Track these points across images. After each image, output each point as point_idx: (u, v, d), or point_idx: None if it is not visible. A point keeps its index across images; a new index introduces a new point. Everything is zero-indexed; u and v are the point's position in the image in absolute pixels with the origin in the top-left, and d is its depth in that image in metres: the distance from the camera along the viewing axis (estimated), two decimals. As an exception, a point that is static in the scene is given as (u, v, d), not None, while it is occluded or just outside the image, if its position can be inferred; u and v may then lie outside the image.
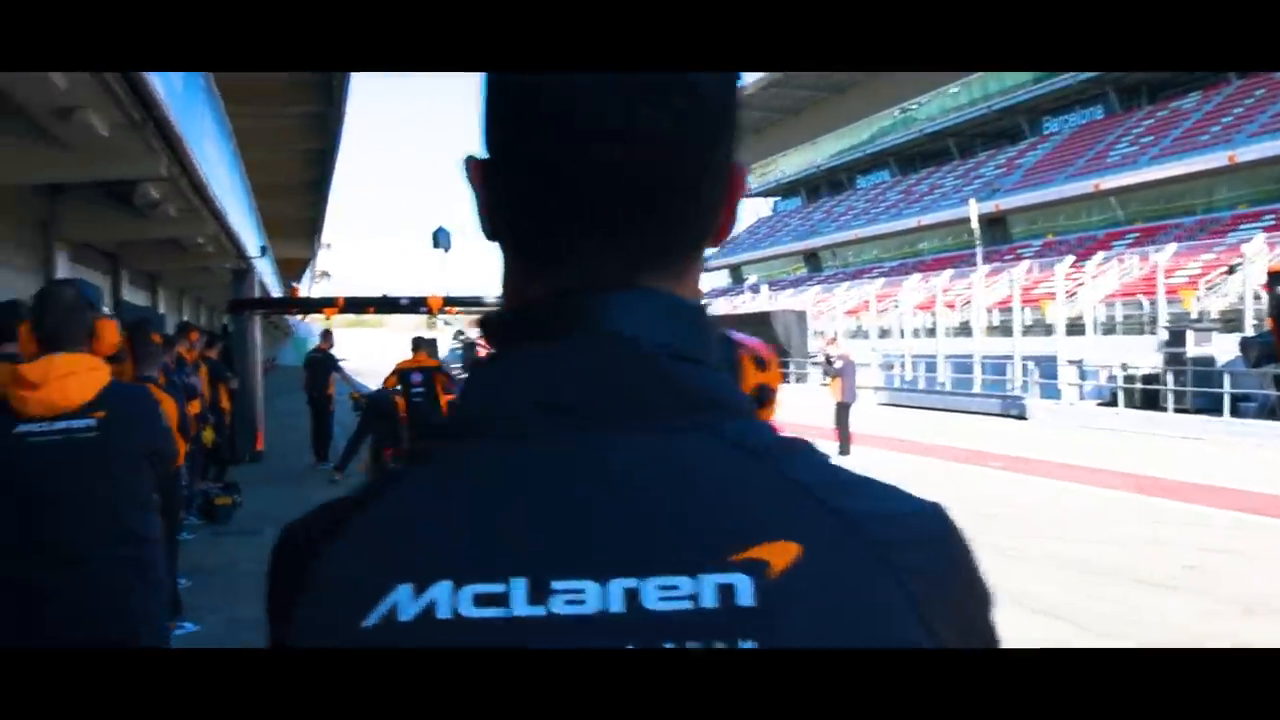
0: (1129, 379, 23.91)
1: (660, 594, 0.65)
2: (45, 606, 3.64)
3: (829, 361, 18.30)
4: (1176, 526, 10.87)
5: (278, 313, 37.08)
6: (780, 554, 0.66)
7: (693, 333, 0.75)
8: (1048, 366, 26.98)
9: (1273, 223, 36.39)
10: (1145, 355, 24.80)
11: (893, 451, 18.17)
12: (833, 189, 72.62)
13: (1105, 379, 25.62)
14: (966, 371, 30.52)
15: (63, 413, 3.67)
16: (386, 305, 17.07)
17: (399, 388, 13.57)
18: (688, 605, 0.65)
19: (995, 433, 21.43)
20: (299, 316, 44.65)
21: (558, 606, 0.65)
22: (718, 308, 54.37)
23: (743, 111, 0.80)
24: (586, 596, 0.65)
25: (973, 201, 37.46)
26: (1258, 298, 25.86)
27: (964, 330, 36.46)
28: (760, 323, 43.21)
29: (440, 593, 0.66)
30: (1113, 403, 24.06)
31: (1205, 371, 22.48)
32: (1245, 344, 22.84)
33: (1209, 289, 32.26)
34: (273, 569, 0.77)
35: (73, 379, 3.69)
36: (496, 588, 0.66)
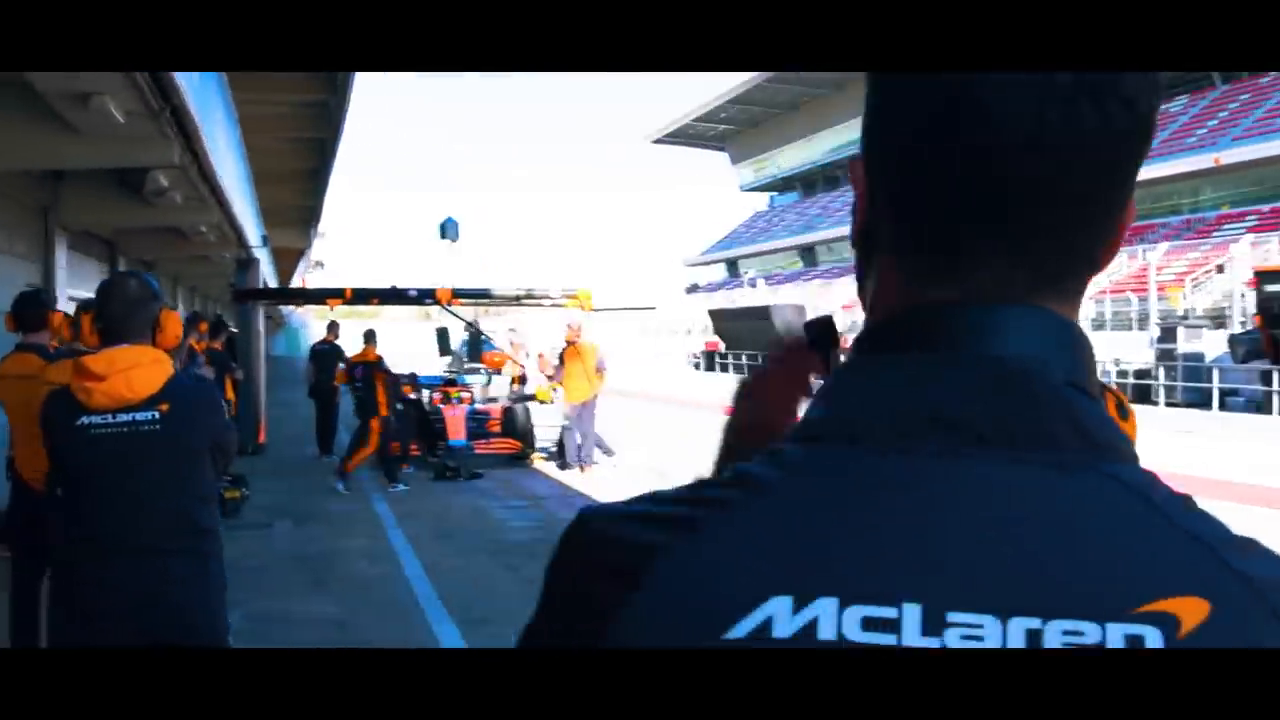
0: (1121, 374, 24.19)
1: (1064, 638, 0.60)
2: (109, 596, 3.63)
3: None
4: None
5: (281, 303, 36.92)
6: (1190, 610, 0.61)
7: (1085, 363, 0.71)
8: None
9: (1256, 223, 36.81)
10: (1136, 351, 25.04)
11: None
12: (829, 184, 72.65)
13: (1099, 373, 25.82)
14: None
15: (127, 405, 3.64)
16: (394, 297, 16.89)
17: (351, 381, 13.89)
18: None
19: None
20: (292, 307, 44.61)
21: (953, 640, 0.60)
22: (715, 301, 54.37)
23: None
24: (985, 633, 0.60)
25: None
26: (1244, 296, 26.10)
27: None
28: (759, 316, 43.31)
29: (824, 610, 0.61)
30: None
31: (1195, 367, 22.77)
32: (1234, 341, 23.21)
33: (1195, 287, 32.50)
34: (582, 559, 0.70)
35: (137, 371, 3.65)
36: (888, 612, 0.61)
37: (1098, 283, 30.64)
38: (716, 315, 48.76)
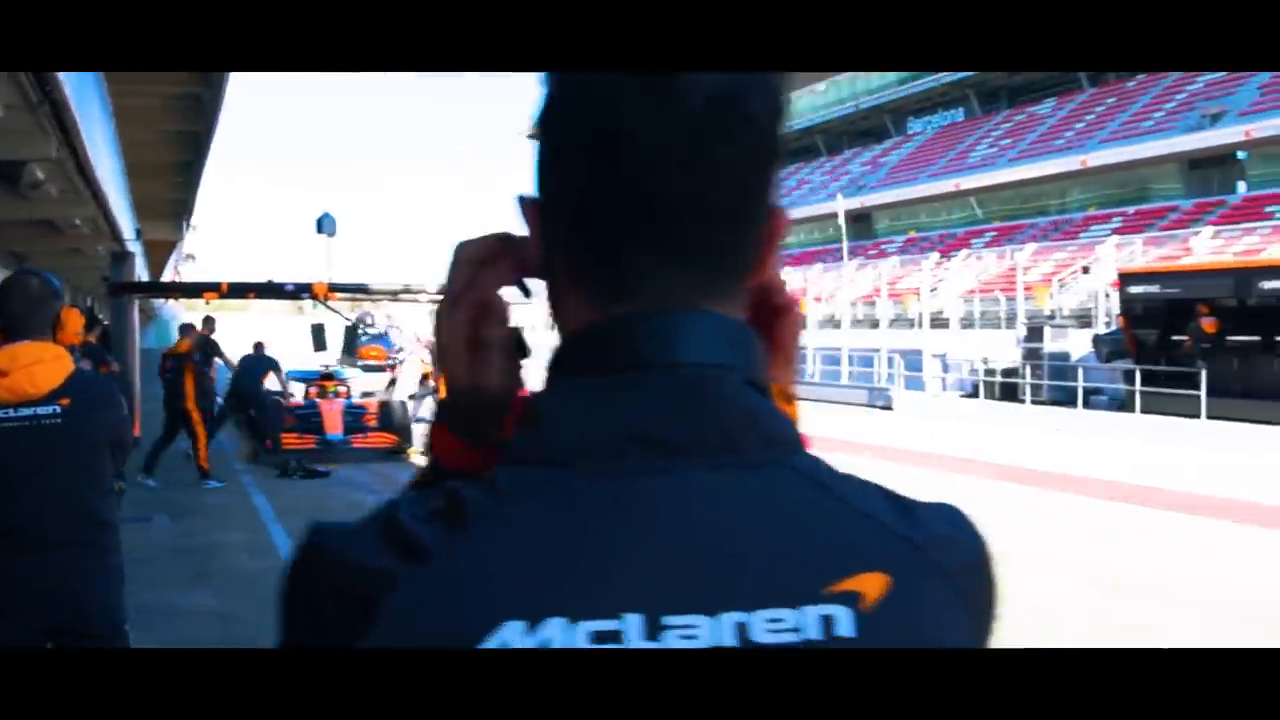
0: (989, 372, 24.92)
1: (768, 627, 0.66)
2: (15, 590, 3.65)
3: None
4: (1038, 511, 11.56)
5: (156, 297, 36.01)
6: (872, 585, 0.68)
7: (756, 359, 0.76)
8: (912, 360, 27.89)
9: (1121, 224, 38.01)
10: (1004, 350, 25.82)
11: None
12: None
13: (967, 372, 26.58)
14: (835, 364, 31.30)
15: (29, 399, 3.67)
16: (271, 291, 16.63)
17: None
18: (793, 638, 0.66)
19: (863, 423, 22.10)
20: (163, 300, 43.44)
21: (673, 642, 0.65)
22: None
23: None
24: (699, 632, 0.65)
25: (840, 197, 38.37)
26: (1108, 296, 27.06)
27: (831, 323, 37.29)
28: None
29: (555, 630, 0.65)
30: (974, 395, 25.06)
31: (1061, 366, 23.58)
32: (1098, 340, 24.08)
33: (1061, 287, 33.56)
34: (317, 586, 0.71)
35: (39, 367, 3.70)
36: (611, 624, 0.65)
37: (966, 282, 31.59)
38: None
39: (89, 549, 3.72)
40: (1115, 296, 24.27)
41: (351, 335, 18.32)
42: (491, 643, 0.64)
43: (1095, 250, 33.33)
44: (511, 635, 0.64)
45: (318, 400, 16.10)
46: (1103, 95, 44.37)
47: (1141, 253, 32.64)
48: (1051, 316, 29.44)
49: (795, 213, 53.79)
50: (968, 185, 45.23)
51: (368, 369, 18.06)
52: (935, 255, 39.79)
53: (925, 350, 28.01)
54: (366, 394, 17.13)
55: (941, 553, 0.72)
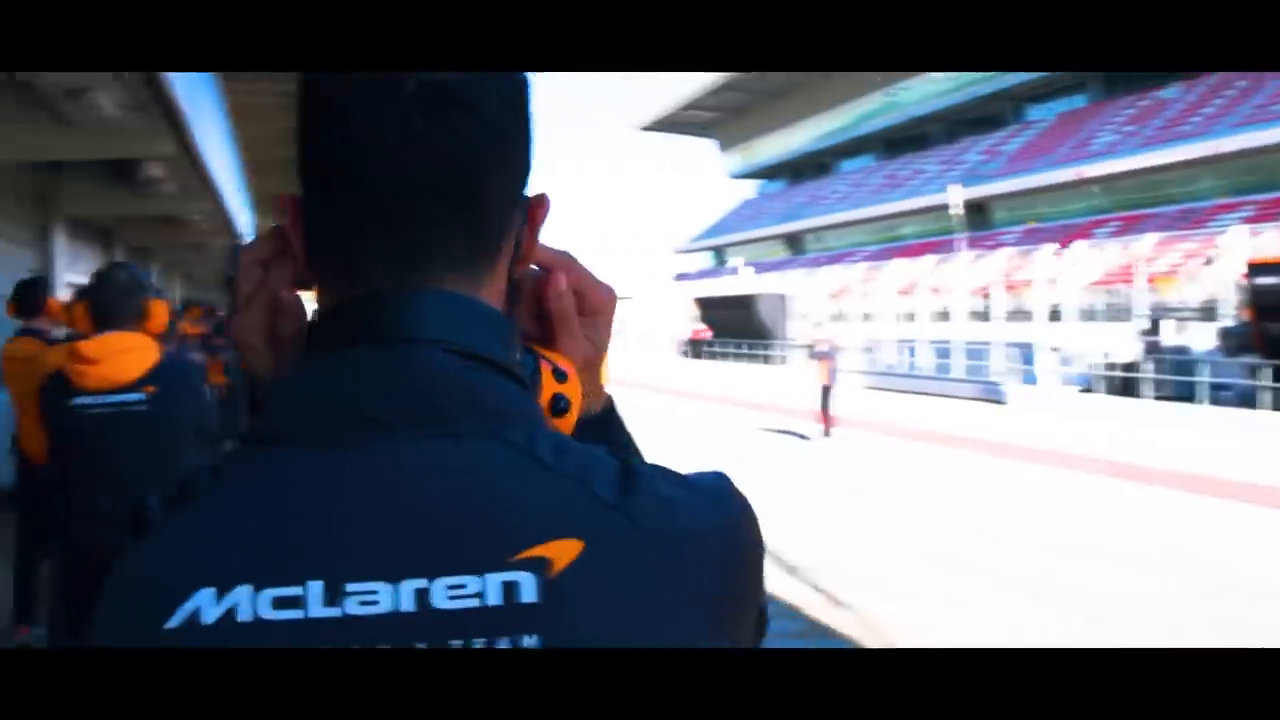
0: (1108, 366, 24.25)
1: (449, 593, 0.68)
2: (102, 569, 3.87)
3: (813, 345, 18.52)
4: (1152, 510, 11.17)
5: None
6: (562, 551, 0.69)
7: (493, 337, 0.78)
8: (1027, 353, 27.30)
9: (1251, 214, 36.75)
10: (1125, 343, 25.11)
11: (875, 434, 18.42)
12: (816, 172, 72.72)
13: (1085, 366, 25.91)
14: (947, 357, 30.81)
15: (116, 386, 3.92)
16: None
17: None
18: (475, 603, 0.68)
19: (975, 418, 21.70)
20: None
21: (352, 607, 0.68)
22: (700, 289, 54.40)
23: (532, 142, 0.84)
24: (379, 597, 0.68)
25: (955, 187, 37.67)
26: (1237, 287, 26.17)
27: (945, 316, 36.73)
28: (743, 305, 43.41)
29: (241, 596, 0.68)
30: (1091, 390, 24.41)
31: (1183, 360, 22.82)
32: (1224, 334, 23.23)
33: (1188, 278, 32.58)
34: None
35: (127, 356, 3.94)
36: (294, 590, 0.68)
37: (1087, 274, 30.91)
38: (702, 303, 48.85)
39: None
40: (1244, 288, 23.38)
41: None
42: (185, 608, 0.69)
43: (1219, 240, 32.22)
44: (203, 602, 0.69)
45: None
46: (1232, 78, 42.90)
47: (1276, 241, 31.46)
48: (1177, 309, 28.58)
49: (910, 203, 53.19)
50: (1090, 173, 44.17)
51: None
52: (1054, 246, 38.86)
53: (1041, 343, 27.34)
54: None
55: (660, 520, 0.72)
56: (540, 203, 0.85)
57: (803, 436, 17.69)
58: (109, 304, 4.03)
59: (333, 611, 0.68)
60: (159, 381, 3.96)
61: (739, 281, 52.21)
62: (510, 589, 0.68)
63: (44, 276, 5.91)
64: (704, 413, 23.08)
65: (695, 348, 47.19)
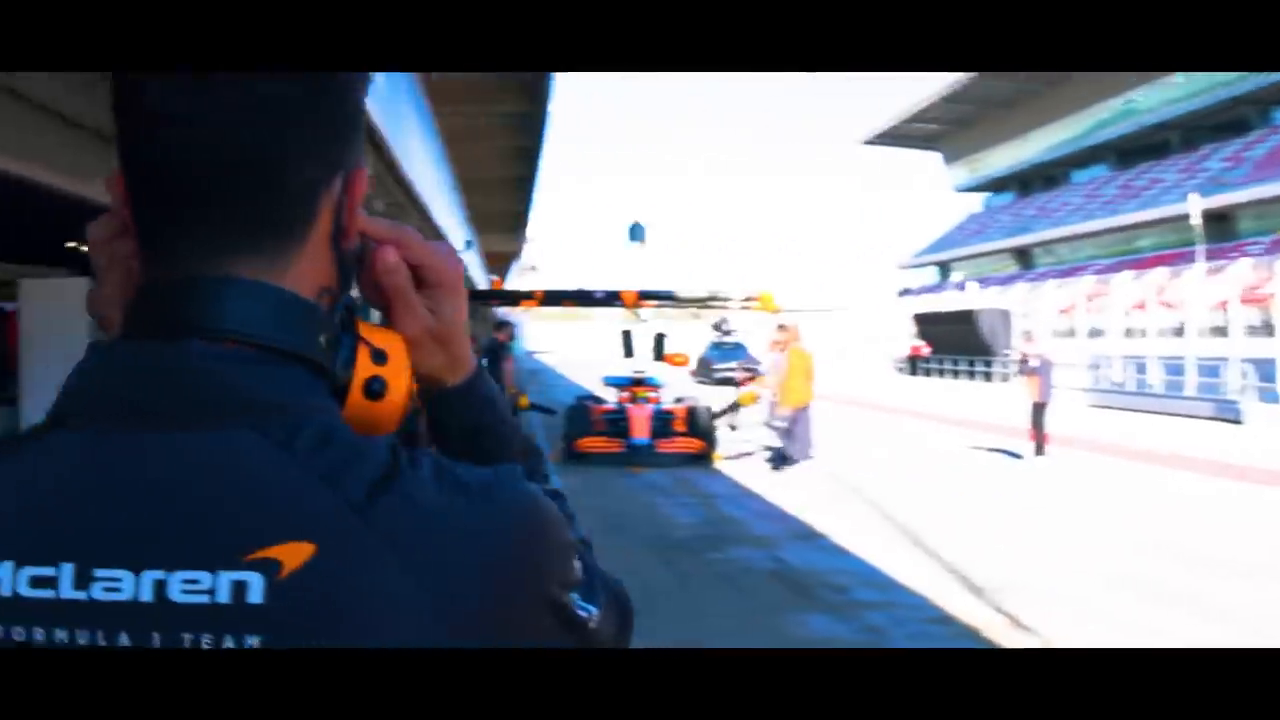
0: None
1: (184, 587, 0.69)
2: None
3: (1025, 360, 17.88)
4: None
5: (484, 304, 38.19)
6: (293, 554, 0.70)
7: (282, 324, 0.79)
8: (1267, 369, 25.68)
9: None
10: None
11: (1095, 454, 17.59)
12: (1046, 184, 70.48)
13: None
14: (1179, 374, 29.32)
15: None
16: (582, 298, 17.36)
17: None
18: (206, 600, 0.69)
19: (1207, 437, 20.47)
20: (497, 307, 46.13)
21: (98, 593, 0.70)
22: (921, 305, 53.41)
23: (343, 116, 0.84)
24: (122, 585, 0.70)
25: (1193, 196, 35.83)
26: None
27: (1179, 331, 34.98)
28: (963, 321, 42.37)
29: (4, 572, 0.71)
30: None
31: None
32: None
33: None
34: None
35: None
36: (49, 571, 0.71)
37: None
38: (921, 319, 47.94)
39: None
40: None
41: (659, 342, 18.78)
42: None
43: None
44: None
45: (628, 405, 16.55)
46: None
47: None
48: None
49: (1147, 214, 50.87)
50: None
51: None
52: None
53: (1282, 359, 25.69)
54: (678, 400, 17.52)
55: (405, 524, 0.73)
56: (358, 177, 0.85)
57: (1014, 455, 17.00)
58: None
59: (81, 595, 0.71)
60: None
61: (961, 297, 51.00)
62: (240, 588, 0.69)
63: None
64: (916, 430, 22.57)
65: (913, 364, 46.30)
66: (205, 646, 0.69)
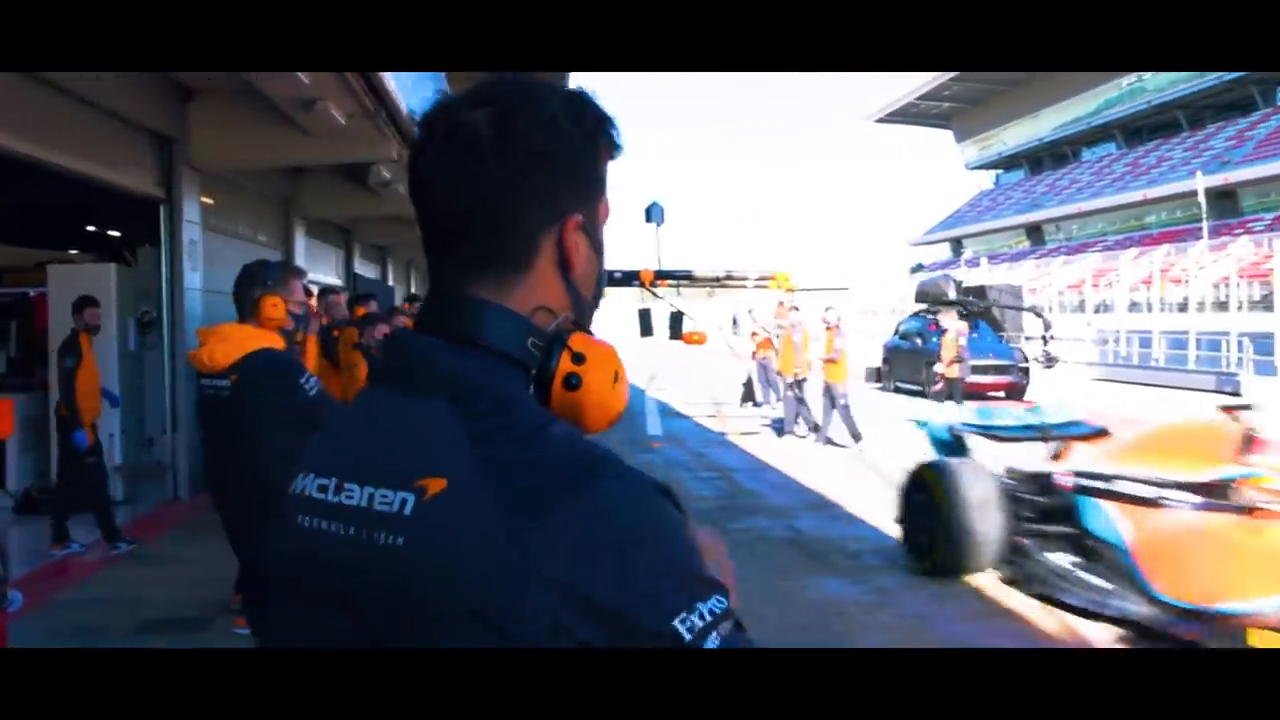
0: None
1: (380, 498, 1.00)
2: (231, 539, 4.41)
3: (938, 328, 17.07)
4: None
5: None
6: (433, 485, 0.97)
7: (494, 329, 1.07)
8: (1264, 343, 25.99)
9: None
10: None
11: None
12: (1056, 161, 70.23)
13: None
14: (1182, 348, 29.63)
15: (211, 372, 4.26)
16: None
17: None
18: (390, 508, 0.99)
19: (1205, 409, 20.63)
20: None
21: (343, 498, 1.04)
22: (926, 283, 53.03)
23: (569, 178, 1.10)
24: (354, 494, 1.03)
25: (1199, 174, 35.99)
26: None
27: (1183, 307, 35.16)
28: (976, 295, 42.24)
29: (306, 479, 1.09)
30: (1335, 381, 23.06)
31: None
32: None
33: None
34: None
35: (221, 344, 4.25)
36: (325, 480, 1.07)
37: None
38: (924, 295, 47.63)
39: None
40: None
41: (676, 321, 18.84)
42: (297, 483, 1.11)
43: None
44: (300, 480, 1.10)
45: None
46: None
47: None
48: None
49: (1154, 191, 50.76)
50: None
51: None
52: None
53: (1280, 333, 25.98)
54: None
55: (520, 476, 0.96)
56: (569, 227, 1.11)
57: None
58: (234, 297, 4.38)
59: (335, 499, 1.05)
60: (242, 371, 4.19)
61: (971, 274, 50.88)
62: (403, 503, 0.99)
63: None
64: (927, 408, 22.73)
65: (924, 341, 46.12)
66: (382, 542, 0.98)
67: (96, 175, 8.96)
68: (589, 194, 1.12)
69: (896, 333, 26.64)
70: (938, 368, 16.98)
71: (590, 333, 1.13)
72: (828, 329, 14.58)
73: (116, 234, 13.35)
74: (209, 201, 11.02)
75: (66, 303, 8.50)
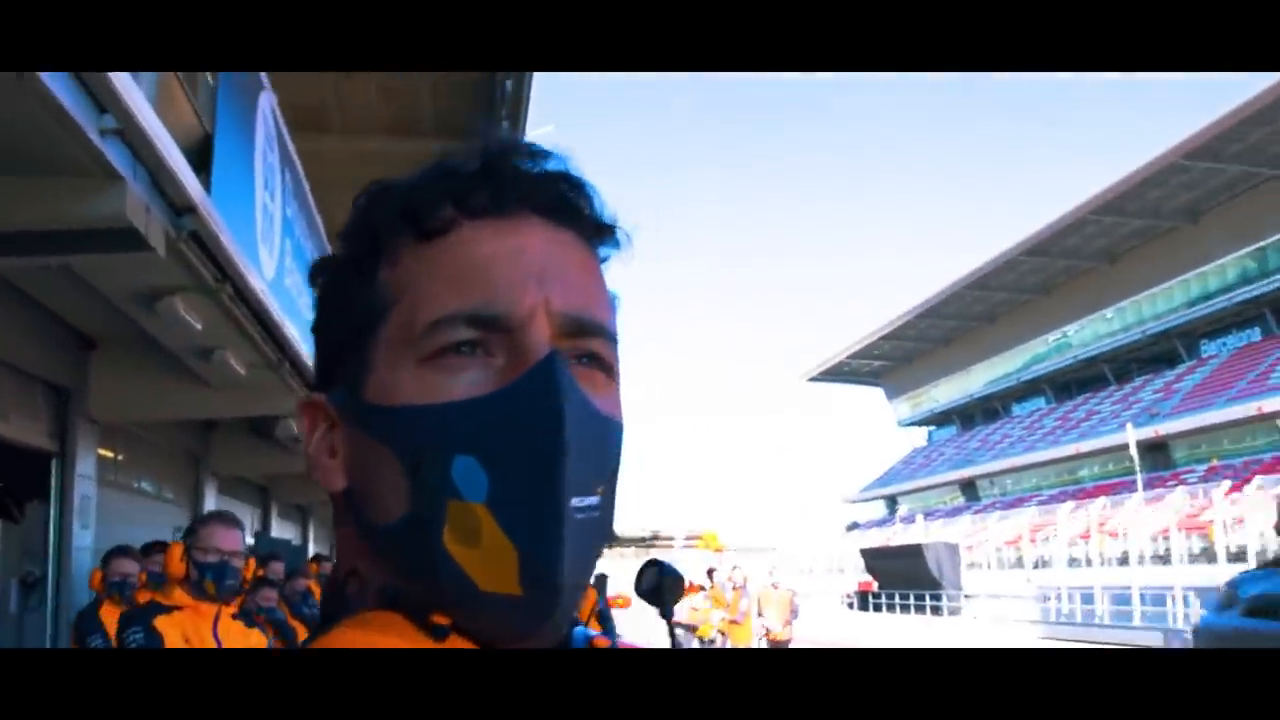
0: (1301, 611, 22.58)
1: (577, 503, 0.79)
2: None
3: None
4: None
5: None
6: None
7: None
8: (1210, 597, 25.72)
9: None
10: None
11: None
12: (987, 417, 71.69)
13: (1276, 612, 24.25)
14: (1126, 604, 29.30)
15: None
16: None
17: None
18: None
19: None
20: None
21: None
22: (868, 540, 53.39)
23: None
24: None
25: (1129, 427, 36.61)
26: None
27: (1124, 560, 35.13)
28: (911, 555, 42.27)
29: None
30: (1284, 636, 22.72)
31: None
32: None
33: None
34: None
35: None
36: None
37: (1270, 512, 28.87)
38: (869, 554, 47.86)
39: None
40: None
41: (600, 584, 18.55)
42: None
43: None
44: None
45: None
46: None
47: None
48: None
49: (1086, 445, 51.74)
50: (1271, 408, 42.31)
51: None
52: (1228, 484, 36.99)
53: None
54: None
55: None
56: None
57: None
58: None
59: None
60: None
61: (907, 531, 51.09)
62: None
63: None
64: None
65: (863, 599, 45.92)
66: None
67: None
68: None
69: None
70: None
71: None
72: (734, 589, 14.58)
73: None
74: (108, 455, 10.56)
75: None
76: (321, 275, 0.90)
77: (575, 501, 0.77)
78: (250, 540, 16.05)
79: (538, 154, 0.87)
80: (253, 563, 7.99)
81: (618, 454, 0.84)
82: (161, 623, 4.57)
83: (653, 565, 3.83)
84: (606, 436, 0.82)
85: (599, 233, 0.89)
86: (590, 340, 0.83)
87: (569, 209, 0.86)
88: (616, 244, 0.90)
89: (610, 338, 0.85)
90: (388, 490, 0.80)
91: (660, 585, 3.76)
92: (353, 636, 0.79)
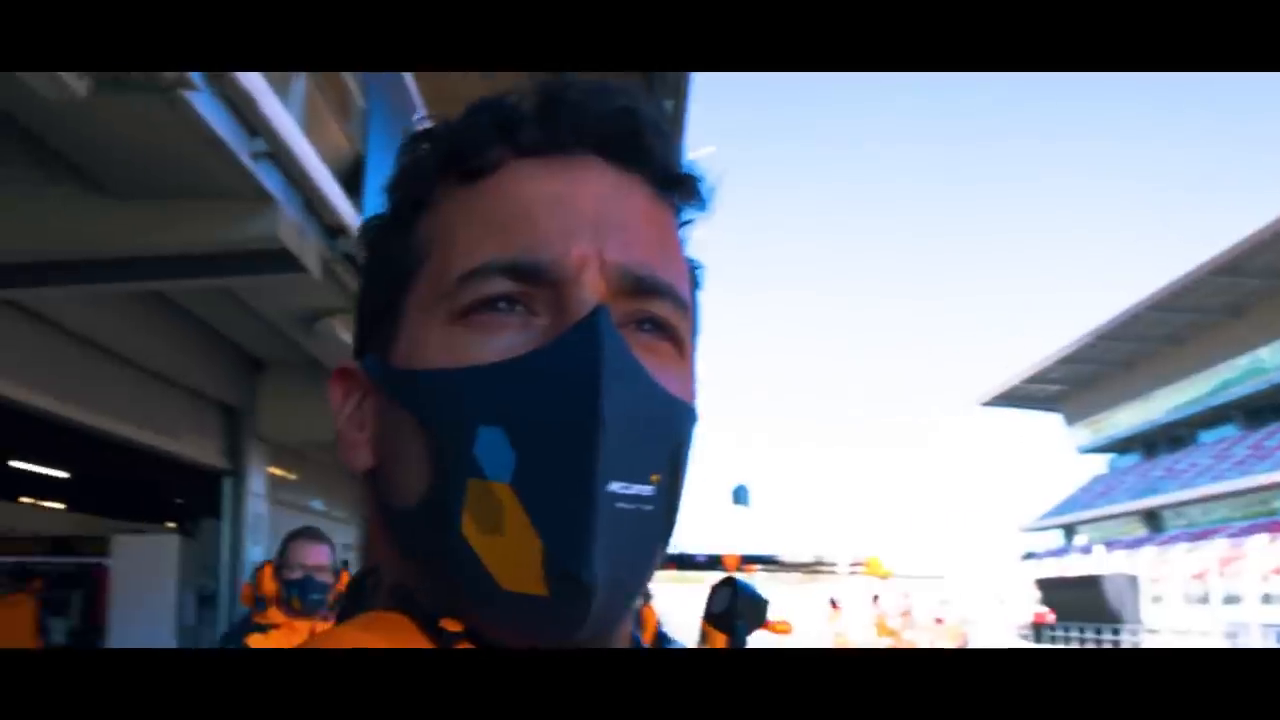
0: None
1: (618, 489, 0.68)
2: None
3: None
4: None
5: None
6: None
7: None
8: None
9: None
10: None
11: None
12: (1172, 444, 68.88)
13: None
14: None
15: None
16: (683, 563, 17.31)
17: None
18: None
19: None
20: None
21: None
22: (1043, 570, 51.82)
23: None
24: None
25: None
26: None
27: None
28: (1089, 585, 40.75)
29: None
30: None
31: None
32: None
33: None
34: None
35: None
36: None
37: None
38: (1044, 584, 46.36)
39: None
40: None
41: (761, 609, 18.50)
42: None
43: None
44: None
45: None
46: None
47: None
48: None
49: (1279, 476, 49.11)
50: None
51: None
52: None
53: None
54: None
55: None
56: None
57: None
58: None
59: None
60: None
61: (1085, 562, 49.36)
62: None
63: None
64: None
65: (1037, 632, 44.49)
66: None
67: (162, 447, 9.01)
68: None
69: None
70: None
71: None
72: (901, 615, 14.23)
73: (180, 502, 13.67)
74: (278, 473, 10.96)
75: (129, 574, 8.47)
76: (366, 236, 0.80)
77: (617, 487, 0.64)
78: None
79: (606, 89, 0.74)
80: (345, 575, 8.19)
81: (682, 440, 0.71)
82: (255, 640, 4.65)
83: (727, 584, 3.41)
84: (668, 417, 0.69)
85: (675, 184, 0.76)
86: (653, 302, 0.71)
87: (638, 149, 0.74)
88: (699, 201, 0.77)
89: (680, 304, 0.73)
90: (409, 468, 0.69)
91: (732, 608, 3.31)
92: (352, 638, 0.69)
